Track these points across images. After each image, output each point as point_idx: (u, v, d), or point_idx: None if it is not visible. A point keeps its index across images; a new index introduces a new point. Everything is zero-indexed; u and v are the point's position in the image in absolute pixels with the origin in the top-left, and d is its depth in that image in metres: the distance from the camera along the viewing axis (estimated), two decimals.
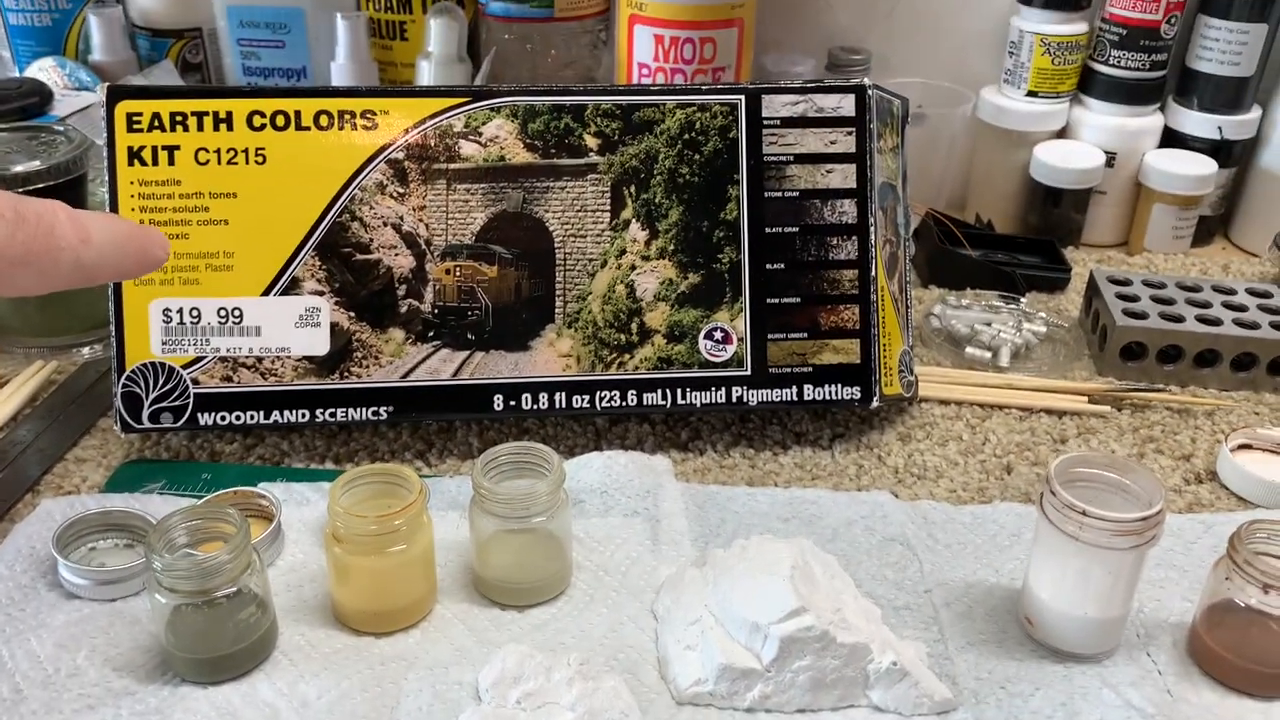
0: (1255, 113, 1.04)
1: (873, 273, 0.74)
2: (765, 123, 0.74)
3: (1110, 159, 1.04)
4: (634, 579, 0.63)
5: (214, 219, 0.71)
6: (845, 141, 0.75)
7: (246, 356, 0.71)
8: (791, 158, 0.74)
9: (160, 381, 0.70)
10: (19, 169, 0.78)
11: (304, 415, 0.71)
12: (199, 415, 0.71)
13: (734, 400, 0.74)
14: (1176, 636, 0.60)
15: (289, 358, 0.71)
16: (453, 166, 0.72)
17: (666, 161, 0.73)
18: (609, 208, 0.74)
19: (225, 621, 0.55)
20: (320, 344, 0.71)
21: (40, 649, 0.57)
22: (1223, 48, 1.01)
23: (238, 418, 0.71)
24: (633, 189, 0.74)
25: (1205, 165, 1.02)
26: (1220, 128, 1.03)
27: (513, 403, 0.72)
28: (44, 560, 0.62)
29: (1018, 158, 1.06)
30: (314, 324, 0.71)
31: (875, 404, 0.74)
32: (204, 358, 0.71)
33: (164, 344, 0.70)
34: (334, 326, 0.71)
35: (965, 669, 0.58)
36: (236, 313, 0.71)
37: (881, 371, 0.75)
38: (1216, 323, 0.83)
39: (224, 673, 0.56)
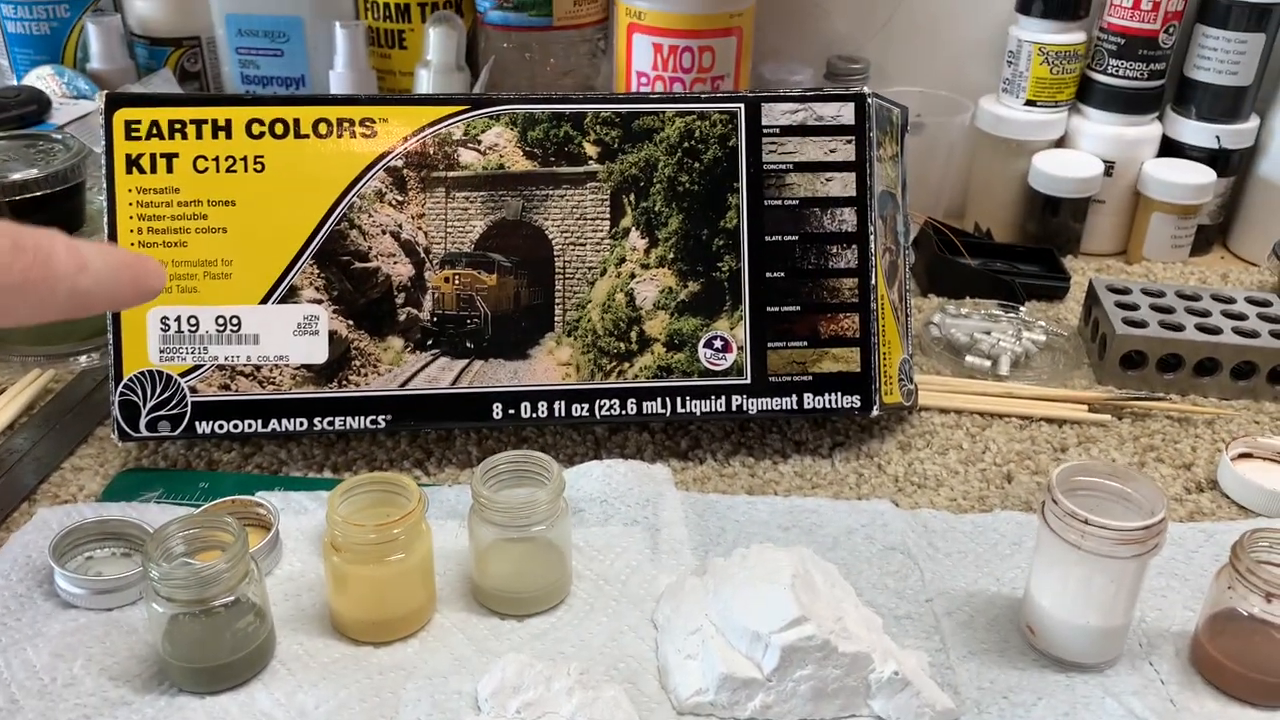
0: (1253, 122, 1.04)
1: (872, 281, 0.74)
2: (765, 131, 0.74)
3: (1109, 168, 1.04)
4: (634, 588, 0.63)
5: (212, 227, 0.70)
6: (845, 150, 0.74)
7: (244, 365, 0.71)
8: (791, 166, 0.74)
9: (158, 390, 0.70)
10: (17, 177, 0.78)
11: (302, 424, 0.71)
12: (197, 424, 0.70)
13: (734, 409, 0.74)
14: (1179, 645, 0.60)
15: (287, 366, 0.71)
16: (452, 174, 0.72)
17: (666, 169, 0.73)
18: (608, 216, 0.74)
19: (223, 631, 0.55)
20: (319, 352, 0.71)
21: (36, 658, 0.57)
22: (1221, 57, 1.01)
23: (236, 426, 0.71)
24: (632, 197, 0.74)
25: (1204, 174, 1.02)
26: (1218, 137, 1.03)
27: (512, 411, 0.72)
28: (40, 569, 0.62)
29: (1016, 167, 1.06)
30: (312, 332, 0.71)
31: (875, 412, 0.74)
32: (202, 366, 0.70)
33: (162, 352, 0.70)
34: (332, 335, 0.71)
35: (967, 678, 0.57)
36: (235, 321, 0.70)
37: (881, 380, 0.75)
38: (1216, 331, 0.83)
39: (221, 682, 0.55)
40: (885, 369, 0.75)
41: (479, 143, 0.73)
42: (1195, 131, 1.04)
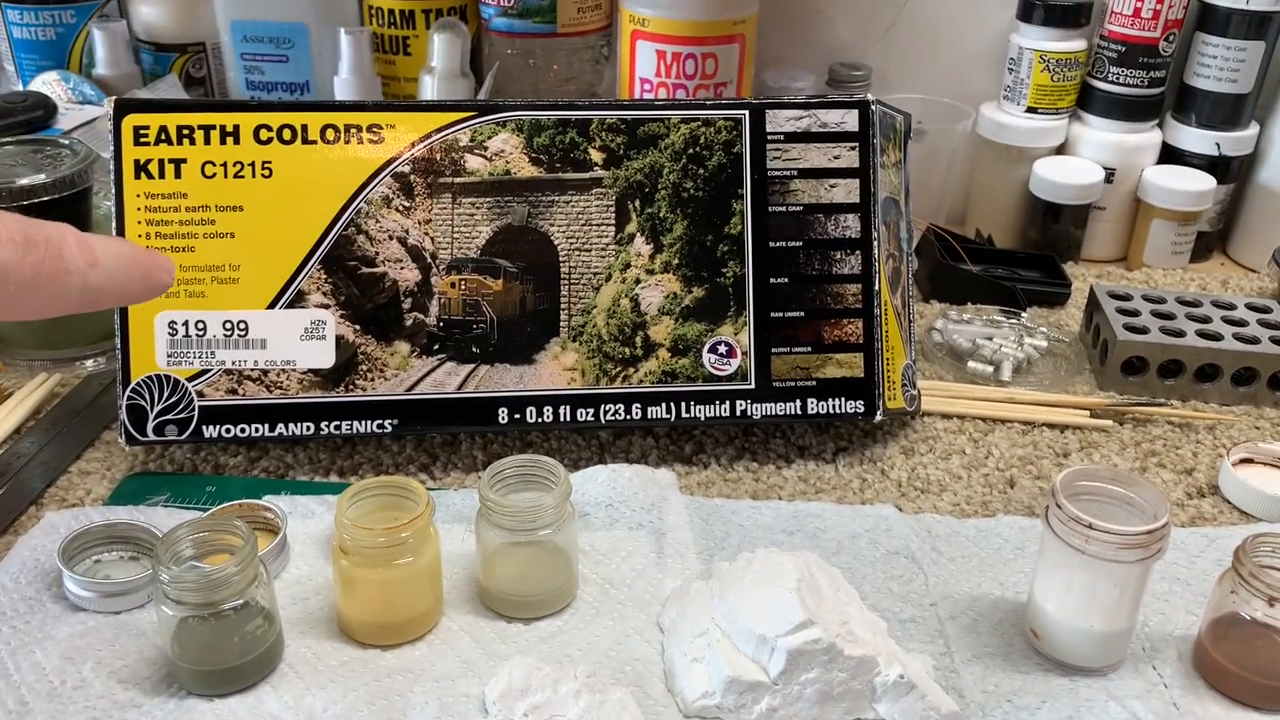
0: (1253, 129, 1.05)
1: (876, 287, 0.75)
2: (769, 137, 0.74)
3: (1109, 175, 1.05)
4: (640, 592, 0.63)
5: (220, 232, 0.71)
6: (849, 156, 0.75)
7: (252, 369, 0.71)
8: (795, 172, 0.74)
9: (165, 394, 0.70)
10: (24, 182, 0.79)
11: (309, 428, 0.71)
12: (204, 428, 0.71)
13: (738, 414, 0.74)
14: (1182, 650, 0.60)
15: (294, 370, 0.71)
16: (458, 180, 0.73)
17: (671, 176, 0.74)
18: (614, 221, 0.74)
19: (231, 634, 0.55)
20: (325, 357, 0.71)
21: (46, 661, 0.57)
22: (1220, 65, 1.02)
23: (243, 430, 0.71)
24: (637, 203, 0.74)
25: (1204, 181, 1.03)
26: (1218, 144, 1.04)
27: (517, 416, 0.73)
28: (49, 572, 0.62)
29: (1017, 173, 1.07)
30: (319, 337, 0.71)
31: (878, 418, 0.75)
32: (209, 370, 0.71)
33: (169, 356, 0.70)
34: (339, 339, 0.72)
35: (971, 682, 0.58)
36: (242, 325, 0.71)
37: (885, 385, 0.75)
38: (1217, 337, 0.84)
39: (230, 685, 0.56)
40: (888, 374, 0.76)
41: (485, 149, 0.73)
42: (1195, 139, 1.05)
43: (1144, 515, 0.57)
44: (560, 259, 0.74)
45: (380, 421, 0.72)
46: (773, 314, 0.74)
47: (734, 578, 0.59)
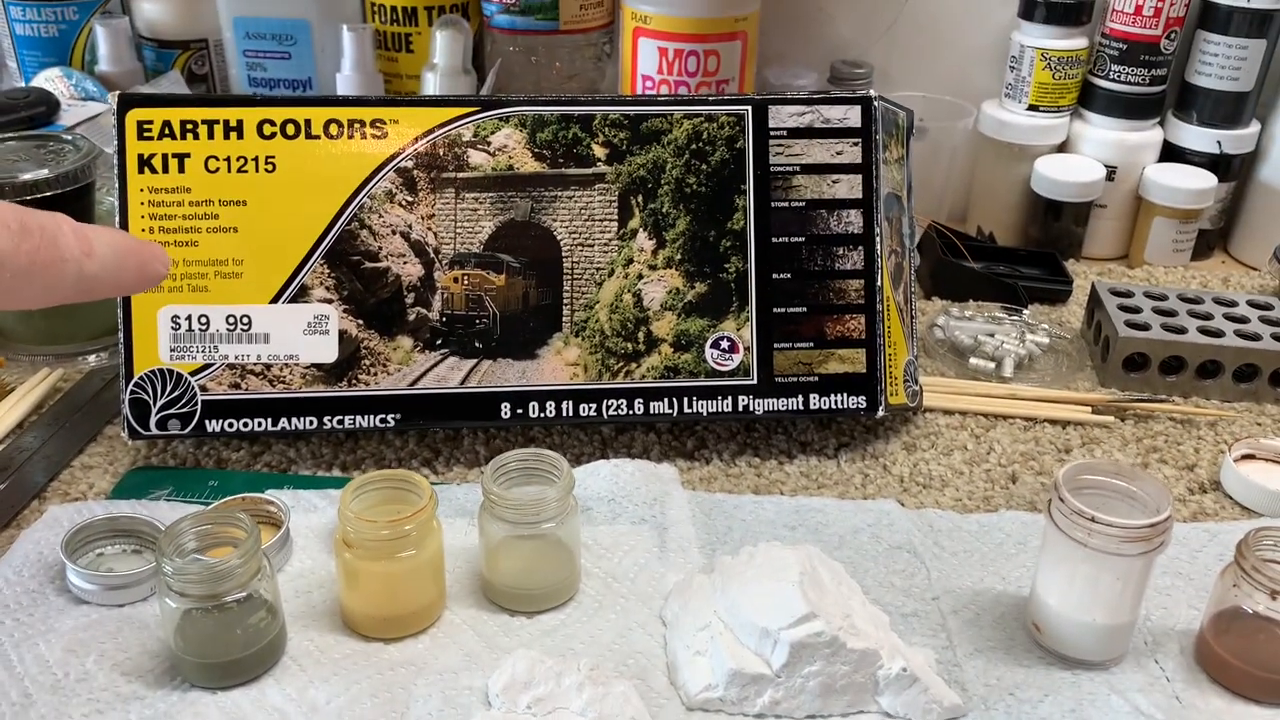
0: (1254, 127, 1.05)
1: (878, 282, 0.75)
2: (772, 133, 0.74)
3: (1110, 173, 1.05)
4: (642, 585, 0.63)
5: (223, 226, 0.71)
6: (851, 152, 0.75)
7: (255, 363, 0.71)
8: (798, 168, 0.75)
9: (168, 388, 0.70)
10: (27, 177, 0.79)
11: (311, 422, 0.71)
12: (207, 422, 0.71)
13: (740, 409, 0.74)
14: (1184, 644, 0.60)
15: (297, 365, 0.71)
16: (461, 175, 0.73)
17: (674, 171, 0.74)
18: (616, 217, 0.74)
19: (235, 626, 0.55)
20: (328, 351, 0.71)
21: (49, 653, 0.57)
22: (1222, 63, 1.02)
23: (245, 425, 0.71)
24: (640, 198, 0.74)
25: (1205, 179, 1.03)
26: (1219, 142, 1.04)
27: (520, 411, 0.73)
28: (52, 565, 0.62)
29: (1019, 171, 1.07)
30: (322, 331, 0.71)
31: (881, 413, 0.75)
32: (212, 365, 0.71)
33: (172, 351, 0.70)
34: (342, 334, 0.72)
35: (974, 675, 0.58)
36: (245, 320, 0.71)
37: (887, 381, 0.75)
38: (1218, 334, 0.84)
39: (233, 678, 0.56)
40: (891, 370, 0.76)
41: (488, 144, 0.73)
42: (1196, 137, 1.05)
43: (1146, 509, 0.57)
44: (563, 254, 0.74)
45: (383, 416, 0.72)
46: (775, 309, 0.74)
47: (736, 571, 0.59)
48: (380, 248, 0.72)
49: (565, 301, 0.74)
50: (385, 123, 0.72)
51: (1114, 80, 1.04)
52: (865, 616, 0.58)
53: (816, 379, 0.74)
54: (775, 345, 0.74)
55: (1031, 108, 1.06)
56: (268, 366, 0.71)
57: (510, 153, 0.73)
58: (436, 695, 0.55)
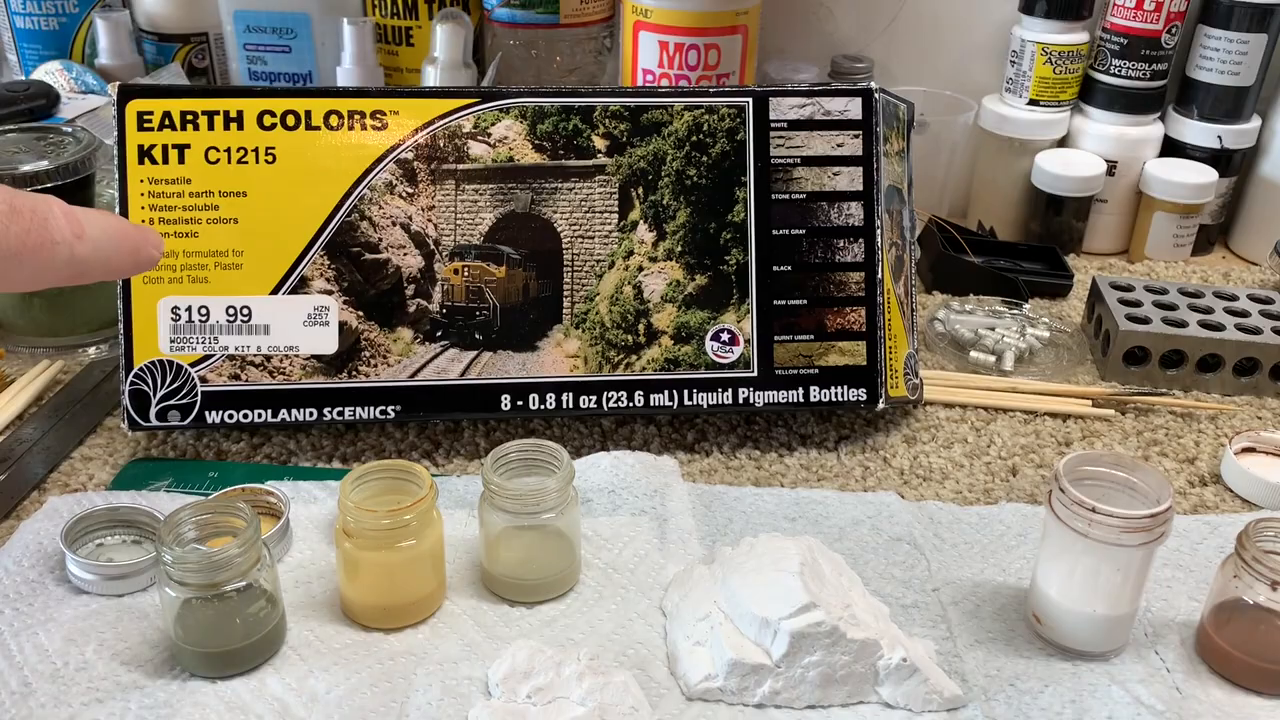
0: (1255, 122, 1.05)
1: (879, 275, 0.75)
2: (773, 125, 0.74)
3: (1111, 167, 1.05)
4: (642, 576, 0.63)
5: (223, 217, 0.71)
6: (852, 144, 0.75)
7: (255, 355, 0.71)
8: (798, 160, 0.75)
9: (168, 379, 0.70)
10: (27, 168, 0.79)
11: (312, 414, 0.71)
12: (206, 413, 0.71)
13: (740, 402, 0.74)
14: (1184, 635, 0.60)
15: (297, 356, 0.71)
16: (461, 167, 0.73)
17: (674, 163, 0.74)
18: (617, 209, 0.74)
19: (234, 616, 0.55)
20: (328, 343, 0.71)
21: (49, 643, 0.57)
22: (1223, 57, 1.02)
23: (245, 416, 0.71)
24: (641, 190, 0.74)
25: (1205, 174, 1.03)
26: (1220, 137, 1.04)
27: (520, 403, 0.73)
28: (52, 555, 0.62)
29: (1019, 166, 1.07)
30: (322, 323, 0.71)
31: (881, 406, 0.75)
32: (212, 356, 0.71)
33: (172, 342, 0.70)
34: (342, 325, 0.72)
35: (974, 666, 0.58)
36: (245, 311, 0.71)
37: (887, 374, 0.75)
38: (1219, 328, 0.84)
39: (233, 667, 0.56)
40: (891, 363, 0.76)
41: (489, 135, 0.73)
42: (1197, 131, 1.05)
43: (1147, 499, 0.57)
44: (563, 246, 0.74)
45: (383, 408, 0.72)
46: (775, 302, 0.74)
47: (737, 562, 0.59)
48: (380, 239, 0.72)
49: (565, 293, 0.74)
50: (385, 114, 0.72)
51: (1115, 75, 1.04)
52: (865, 607, 0.58)
53: (817, 371, 0.74)
54: (776, 338, 0.74)
55: (1032, 102, 1.06)
56: (268, 358, 0.71)
57: (510, 144, 0.73)
58: (436, 685, 0.55)
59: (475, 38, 1.05)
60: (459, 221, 0.73)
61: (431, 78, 1.00)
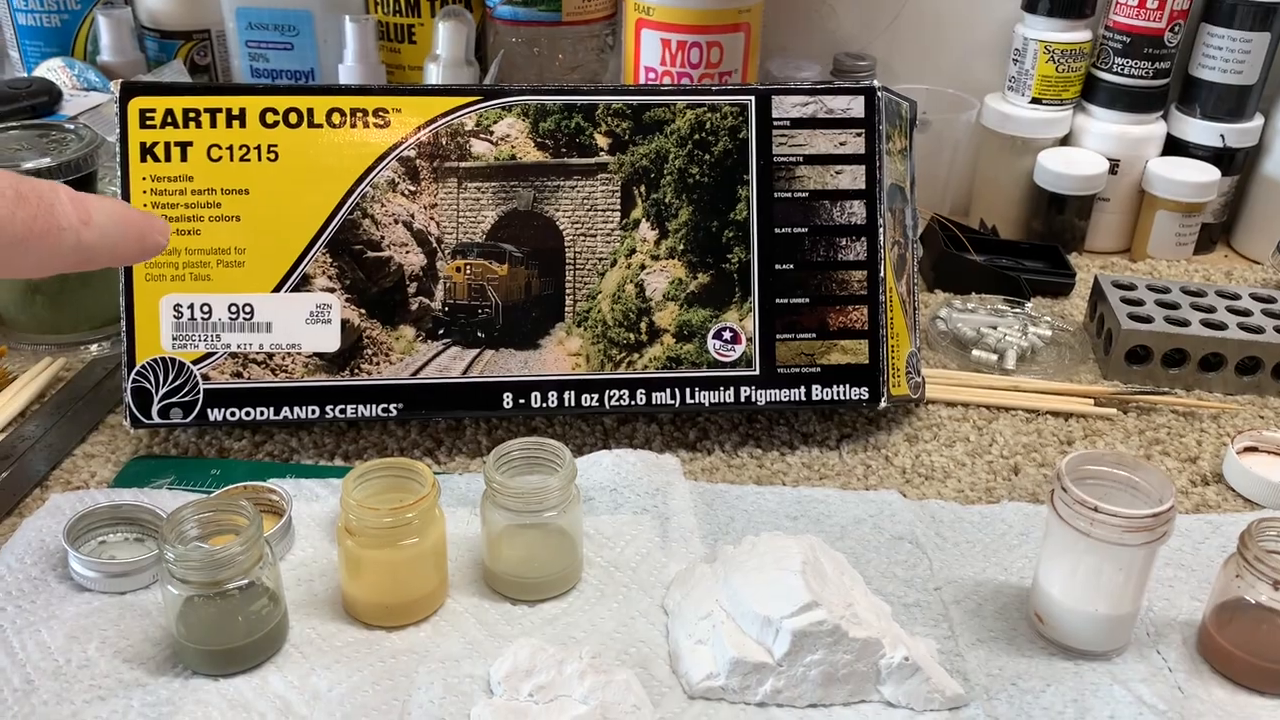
0: (1258, 121, 1.05)
1: (881, 274, 0.75)
2: (775, 123, 0.74)
3: (1113, 166, 1.05)
4: (644, 575, 0.63)
5: (226, 215, 0.71)
6: (855, 143, 0.75)
7: (257, 352, 0.71)
8: (801, 158, 0.74)
9: (170, 377, 0.70)
10: (29, 165, 0.79)
11: (314, 412, 0.71)
12: (209, 411, 0.71)
13: (742, 400, 0.74)
14: (1186, 634, 0.60)
15: (299, 354, 0.71)
16: (464, 165, 0.73)
17: (677, 161, 0.74)
18: (619, 207, 0.74)
19: (237, 614, 0.55)
20: (331, 340, 0.71)
21: (51, 640, 0.57)
22: (1226, 56, 1.02)
23: (247, 414, 0.71)
24: (643, 188, 0.74)
25: (1208, 173, 1.02)
26: (1223, 135, 1.04)
27: (522, 401, 0.73)
28: (54, 553, 0.62)
29: (1021, 164, 1.07)
30: (325, 320, 0.71)
31: (883, 405, 0.75)
32: (214, 353, 0.71)
33: (174, 339, 0.70)
34: (345, 323, 0.72)
35: (976, 665, 0.58)
36: (247, 309, 0.71)
37: (889, 372, 0.75)
38: (1221, 327, 0.84)
39: (235, 665, 0.56)
40: (893, 361, 0.76)
41: (491, 133, 0.73)
42: (1200, 130, 1.05)
43: (1149, 499, 0.57)
44: (565, 244, 0.74)
45: (385, 406, 0.72)
46: (778, 300, 0.74)
47: (739, 560, 0.59)
48: (383, 237, 0.72)
49: (568, 291, 0.74)
50: (388, 112, 0.72)
51: (1117, 73, 1.04)
52: (867, 606, 0.58)
53: (819, 370, 0.74)
54: (777, 336, 0.74)
55: (1034, 101, 1.06)
56: (270, 355, 0.71)
57: (513, 142, 0.73)
58: (438, 683, 0.55)
59: (477, 35, 1.05)
60: (461, 219, 0.73)
61: (433, 75, 1.00)
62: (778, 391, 0.74)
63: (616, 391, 0.73)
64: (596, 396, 0.73)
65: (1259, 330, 0.83)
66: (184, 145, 0.71)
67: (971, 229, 1.04)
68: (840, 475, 0.73)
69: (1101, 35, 1.04)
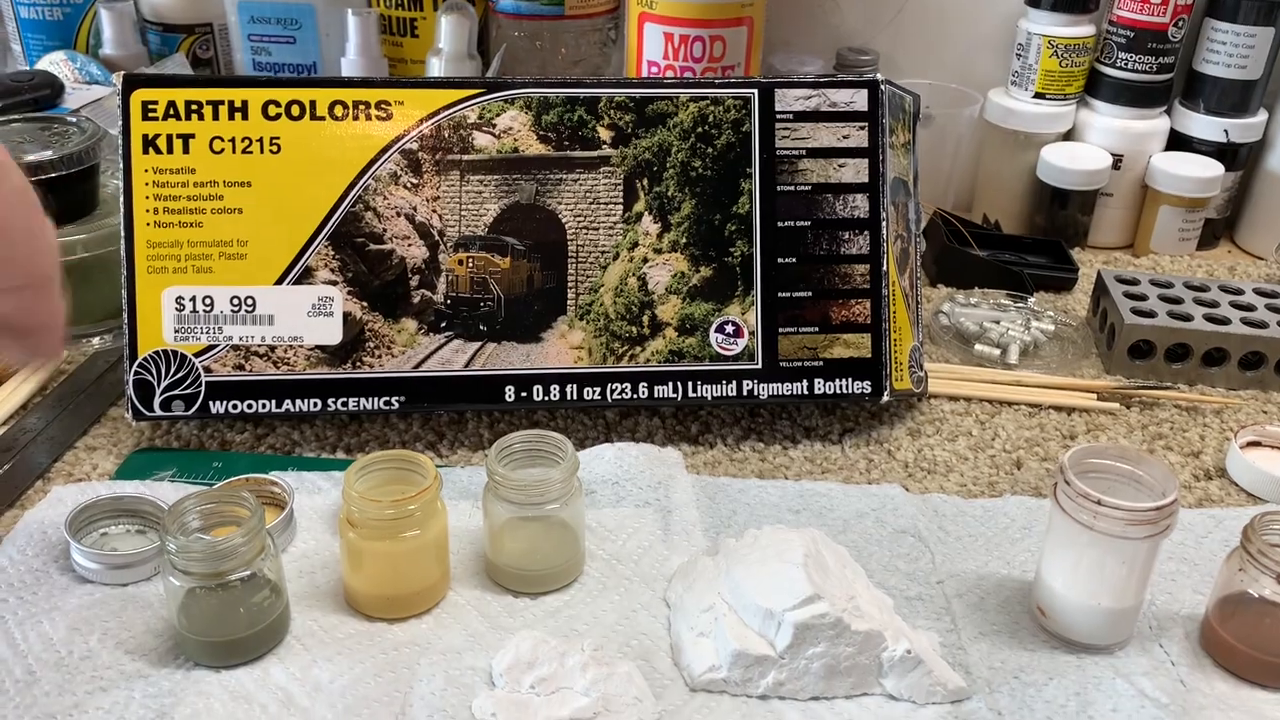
0: (1262, 116, 1.05)
1: (884, 267, 0.75)
2: (778, 117, 0.74)
3: (1117, 161, 1.04)
4: (646, 568, 0.63)
5: (228, 208, 0.71)
6: (858, 136, 0.75)
7: (259, 345, 0.71)
8: (804, 152, 0.74)
9: (172, 369, 0.70)
10: (31, 158, 0.78)
11: (316, 404, 0.71)
12: (210, 404, 0.71)
13: (744, 394, 0.74)
14: (1189, 628, 0.60)
15: (301, 347, 0.71)
16: (466, 158, 0.73)
17: (679, 154, 0.74)
18: (621, 200, 0.74)
19: (238, 605, 0.55)
20: (333, 333, 0.71)
21: (53, 632, 0.57)
22: (1230, 51, 1.01)
23: (249, 406, 0.71)
24: (645, 182, 0.74)
25: (1211, 168, 1.02)
26: (1226, 131, 1.04)
27: (524, 394, 0.72)
28: (56, 544, 0.62)
29: (1025, 159, 1.07)
30: (327, 313, 0.71)
31: (885, 398, 0.75)
32: (216, 346, 0.71)
33: (176, 332, 0.70)
34: (347, 316, 0.71)
35: (978, 658, 0.58)
36: (249, 301, 0.71)
37: (892, 366, 0.75)
38: (1224, 322, 0.84)
39: (237, 656, 0.56)
40: (896, 355, 0.75)
41: (494, 126, 0.73)
42: (1204, 125, 1.05)
43: (1152, 492, 0.57)
44: (568, 237, 0.74)
45: (387, 399, 0.72)
46: (780, 294, 0.74)
47: (741, 553, 0.59)
48: (385, 230, 0.72)
49: (570, 285, 0.74)
50: (390, 104, 0.72)
51: (1121, 68, 1.04)
52: (869, 599, 0.58)
53: (821, 364, 0.74)
54: (780, 330, 0.74)
55: (1038, 96, 1.05)
56: (272, 348, 0.71)
57: (515, 135, 0.73)
58: (440, 675, 0.55)
59: (480, 29, 1.05)
60: (464, 212, 0.73)
61: (436, 69, 1.00)
62: (780, 385, 0.74)
63: (619, 385, 0.73)
64: (599, 390, 0.73)
65: (1262, 325, 0.83)
66: (186, 137, 0.71)
67: (974, 224, 1.04)
68: (843, 469, 0.73)
69: (1105, 30, 1.04)
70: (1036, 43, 1.04)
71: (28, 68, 1.06)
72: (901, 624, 0.57)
